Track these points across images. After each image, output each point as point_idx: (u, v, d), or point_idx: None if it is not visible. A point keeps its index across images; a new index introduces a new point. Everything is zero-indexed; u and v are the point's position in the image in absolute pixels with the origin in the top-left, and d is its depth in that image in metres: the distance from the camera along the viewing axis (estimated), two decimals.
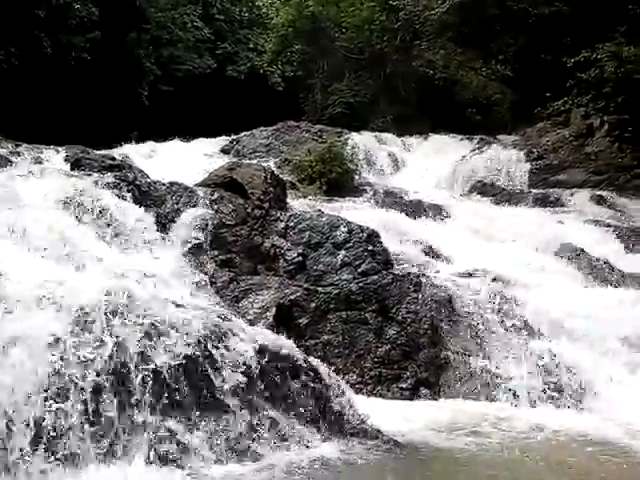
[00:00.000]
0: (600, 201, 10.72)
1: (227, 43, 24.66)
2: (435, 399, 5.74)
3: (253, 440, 4.22)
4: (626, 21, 11.55)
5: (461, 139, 13.80)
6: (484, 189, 11.54)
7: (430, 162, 12.81)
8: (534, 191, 11.45)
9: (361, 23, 19.77)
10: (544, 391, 5.60)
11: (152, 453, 3.94)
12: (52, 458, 3.72)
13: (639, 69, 10.63)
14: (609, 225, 9.24)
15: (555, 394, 5.58)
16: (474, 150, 13.13)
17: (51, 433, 3.74)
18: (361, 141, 13.50)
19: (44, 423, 3.74)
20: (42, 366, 3.87)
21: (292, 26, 20.83)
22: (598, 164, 12.10)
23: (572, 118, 13.01)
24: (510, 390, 5.68)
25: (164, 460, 3.95)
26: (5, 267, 4.60)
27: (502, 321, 6.22)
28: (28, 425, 3.70)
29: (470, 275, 6.80)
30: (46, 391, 3.82)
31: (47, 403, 3.78)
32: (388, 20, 18.85)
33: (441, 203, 10.06)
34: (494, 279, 6.74)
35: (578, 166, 12.31)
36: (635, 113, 11.05)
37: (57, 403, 3.81)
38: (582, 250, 7.76)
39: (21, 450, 3.66)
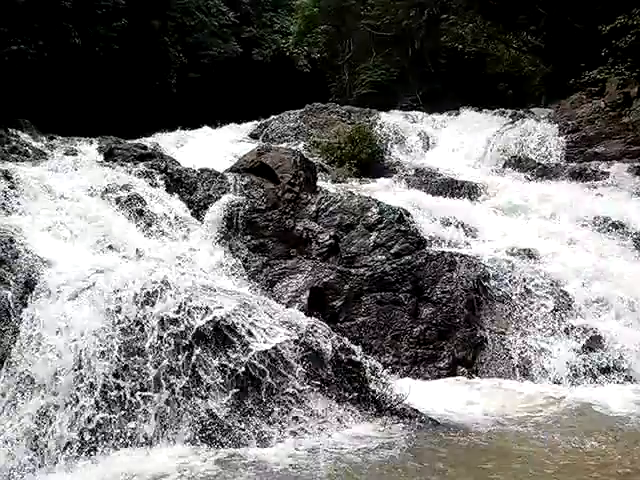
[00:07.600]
0: None
1: (252, 27, 24.52)
2: (472, 378, 5.71)
3: (293, 422, 4.27)
4: None
5: (493, 114, 13.46)
6: (519, 164, 11.25)
7: (462, 139, 12.55)
8: (570, 165, 11.12)
9: None
10: (584, 369, 5.51)
11: (194, 433, 4.04)
12: None
13: None
14: None
15: (597, 372, 5.49)
16: (507, 125, 12.80)
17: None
18: (390, 120, 13.30)
19: None
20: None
21: (317, 6, 20.59)
22: (636, 134, 11.66)
23: (608, 88, 12.54)
24: (548, 368, 5.60)
25: (206, 440, 4.05)
26: (48, 257, 4.74)
27: (539, 298, 6.12)
28: None
29: (506, 252, 6.69)
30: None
31: None
32: None
33: (474, 180, 9.88)
34: (531, 256, 6.62)
35: (615, 137, 11.89)
36: None
37: None
38: (622, 224, 7.55)
39: None
